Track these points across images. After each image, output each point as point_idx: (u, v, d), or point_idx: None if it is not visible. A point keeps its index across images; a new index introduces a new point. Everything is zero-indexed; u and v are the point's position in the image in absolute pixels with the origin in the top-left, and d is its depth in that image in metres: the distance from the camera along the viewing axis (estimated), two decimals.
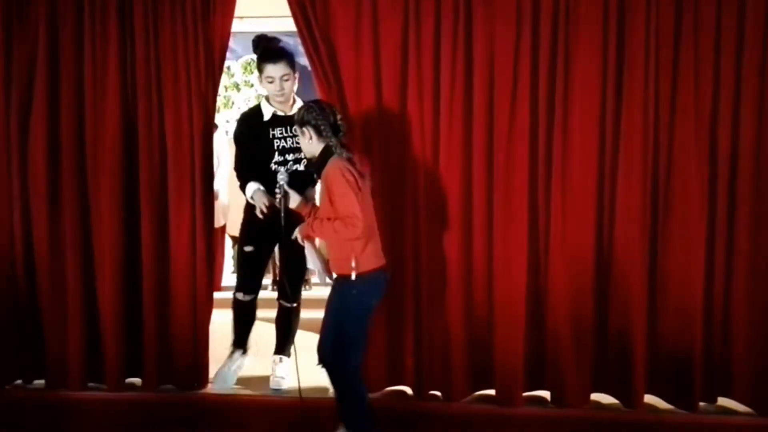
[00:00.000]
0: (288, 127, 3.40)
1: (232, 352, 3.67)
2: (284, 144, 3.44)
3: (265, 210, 3.29)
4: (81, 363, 3.64)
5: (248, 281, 3.59)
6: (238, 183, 3.51)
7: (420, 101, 3.43)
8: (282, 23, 3.69)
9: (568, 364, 3.44)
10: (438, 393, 3.57)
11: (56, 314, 3.62)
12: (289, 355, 3.67)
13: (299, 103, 3.44)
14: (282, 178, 3.18)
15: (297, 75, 3.44)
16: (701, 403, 3.44)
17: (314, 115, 2.96)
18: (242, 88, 5.64)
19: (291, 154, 3.45)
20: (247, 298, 3.60)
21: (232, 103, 5.77)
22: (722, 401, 3.49)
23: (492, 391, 3.54)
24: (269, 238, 3.46)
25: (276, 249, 3.81)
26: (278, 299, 3.70)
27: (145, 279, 3.58)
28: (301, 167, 3.45)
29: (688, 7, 3.29)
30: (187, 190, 3.53)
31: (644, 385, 3.44)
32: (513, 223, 3.41)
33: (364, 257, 2.93)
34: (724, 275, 3.42)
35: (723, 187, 3.38)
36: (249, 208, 3.49)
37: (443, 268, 3.48)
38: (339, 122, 3.00)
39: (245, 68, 5.65)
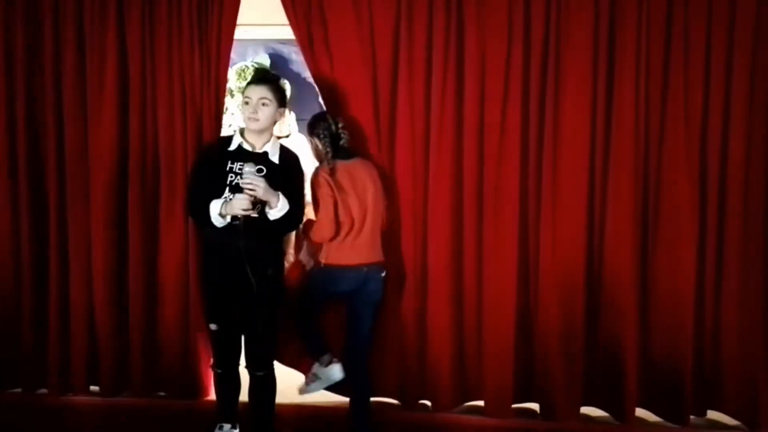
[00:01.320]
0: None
1: (220, 426, 3.20)
2: (238, 181, 2.92)
3: (250, 205, 2.83)
4: (83, 369, 3.66)
5: (223, 358, 3.13)
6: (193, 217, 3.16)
7: (411, 115, 3.42)
8: (278, 31, 3.67)
9: (557, 376, 3.44)
10: (427, 403, 3.57)
11: (59, 321, 3.64)
12: None
13: (275, 144, 3.05)
14: (249, 171, 2.83)
15: (283, 111, 3.04)
16: (691, 417, 3.44)
17: (316, 124, 3.21)
18: (236, 94, 5.62)
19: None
20: (226, 371, 3.16)
21: (226, 108, 5.76)
22: (712, 414, 3.49)
23: (481, 402, 3.53)
24: (232, 314, 3.03)
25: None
26: (246, 367, 3.14)
27: (132, 289, 3.57)
28: (254, 213, 2.89)
29: (678, 19, 3.30)
30: (179, 197, 3.49)
31: (635, 399, 3.44)
32: (503, 234, 3.42)
33: (333, 252, 3.17)
34: (714, 288, 3.42)
35: (713, 201, 3.38)
36: (204, 284, 3.13)
37: (433, 279, 3.46)
38: (340, 131, 3.19)
39: (239, 75, 5.65)
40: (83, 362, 3.64)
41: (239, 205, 2.84)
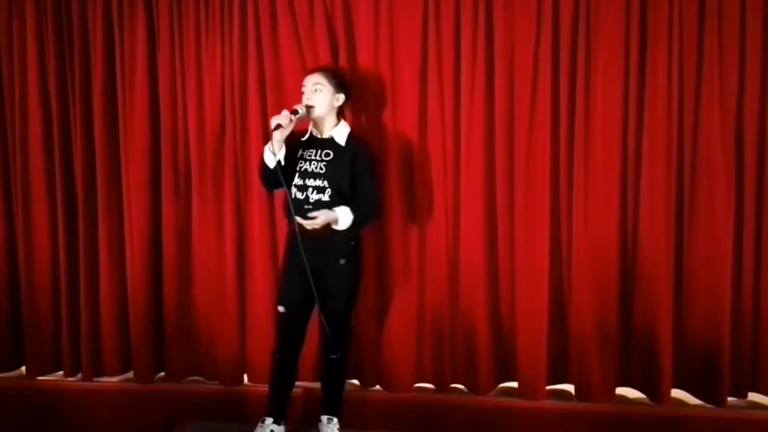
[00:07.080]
0: (319, 151, 3.14)
1: (263, 420, 3.22)
2: (307, 167, 3.12)
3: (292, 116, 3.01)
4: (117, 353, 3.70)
5: (285, 342, 3.18)
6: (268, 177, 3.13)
7: (441, 100, 3.42)
8: None
9: (592, 357, 3.39)
10: (462, 386, 3.56)
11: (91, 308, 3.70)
12: (338, 416, 3.27)
13: (342, 129, 3.16)
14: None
15: (339, 96, 3.15)
16: (730, 398, 3.38)
17: None
18: None
19: (312, 180, 3.10)
20: (285, 357, 3.20)
21: None
22: (752, 396, 3.42)
23: (515, 384, 3.51)
24: (303, 299, 3.13)
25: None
26: (322, 351, 3.32)
27: (166, 274, 3.63)
28: (325, 197, 3.07)
29: None
30: (210, 187, 3.55)
31: (671, 380, 3.39)
32: (535, 216, 3.39)
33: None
34: (753, 267, 3.36)
35: (750, 178, 3.32)
36: (284, 265, 3.21)
37: (466, 264, 3.45)
38: None
39: None
40: (116, 348, 3.69)
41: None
